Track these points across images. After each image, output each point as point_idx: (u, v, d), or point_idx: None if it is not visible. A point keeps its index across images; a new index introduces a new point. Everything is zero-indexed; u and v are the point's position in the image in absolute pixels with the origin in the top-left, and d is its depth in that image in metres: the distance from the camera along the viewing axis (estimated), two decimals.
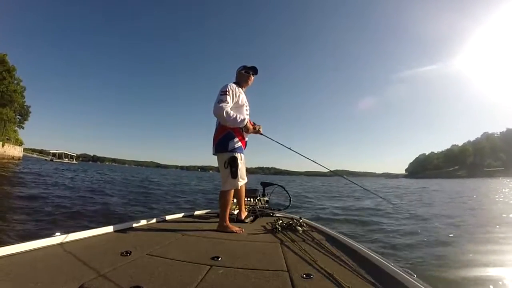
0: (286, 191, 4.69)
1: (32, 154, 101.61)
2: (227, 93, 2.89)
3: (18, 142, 58.56)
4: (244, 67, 3.22)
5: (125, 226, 2.62)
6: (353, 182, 4.24)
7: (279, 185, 4.97)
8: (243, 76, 3.20)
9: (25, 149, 73.81)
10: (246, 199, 3.76)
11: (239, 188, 3.12)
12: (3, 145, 48.72)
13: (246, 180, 3.21)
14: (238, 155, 2.95)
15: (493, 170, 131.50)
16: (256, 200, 4.45)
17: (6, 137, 52.40)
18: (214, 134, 3.08)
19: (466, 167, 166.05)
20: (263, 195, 4.71)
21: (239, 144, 3.01)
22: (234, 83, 3.12)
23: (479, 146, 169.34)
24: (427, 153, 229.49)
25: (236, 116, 2.85)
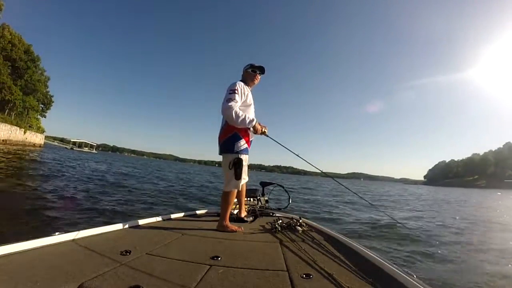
0: (286, 190, 4.62)
1: (54, 142, 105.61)
2: (236, 91, 2.82)
3: (40, 130, 61.60)
4: (252, 66, 3.15)
5: (125, 226, 2.62)
6: (350, 190, 3.91)
7: (278, 185, 4.94)
8: (250, 75, 3.13)
9: (47, 137, 76.98)
10: (246, 198, 3.69)
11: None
12: (24, 132, 51.18)
13: (247, 179, 3.17)
14: (243, 156, 2.90)
15: None
16: (256, 200, 4.40)
17: (29, 124, 55.10)
18: (220, 134, 3.00)
19: (486, 177, 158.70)
20: (263, 195, 4.65)
21: (245, 146, 2.94)
22: (241, 81, 3.07)
23: (501, 156, 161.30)
24: (447, 161, 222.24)
25: (245, 116, 2.79)
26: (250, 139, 3.10)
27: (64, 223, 6.16)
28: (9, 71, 47.02)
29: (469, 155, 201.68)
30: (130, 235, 2.41)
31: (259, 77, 3.19)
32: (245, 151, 2.95)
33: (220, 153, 3.02)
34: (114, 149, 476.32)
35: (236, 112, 2.74)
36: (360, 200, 14.77)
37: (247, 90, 3.00)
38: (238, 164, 2.85)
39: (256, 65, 3.17)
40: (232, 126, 2.88)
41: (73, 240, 2.08)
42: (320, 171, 3.75)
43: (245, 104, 2.95)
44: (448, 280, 4.54)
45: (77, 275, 1.42)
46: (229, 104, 2.74)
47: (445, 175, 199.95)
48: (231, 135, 2.91)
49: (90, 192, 10.34)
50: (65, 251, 1.84)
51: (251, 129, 3.00)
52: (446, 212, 15.69)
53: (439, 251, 6.27)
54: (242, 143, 2.91)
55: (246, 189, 3.54)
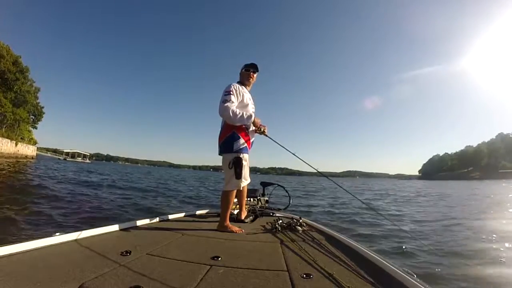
0: (286, 190, 4.66)
1: (46, 153, 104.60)
2: (231, 92, 2.87)
3: (32, 142, 60.54)
4: (245, 66, 3.21)
5: (125, 226, 2.64)
6: (339, 186, 3.98)
7: (279, 185, 4.98)
8: (244, 75, 3.20)
9: (39, 148, 76.10)
10: (246, 199, 3.72)
11: (242, 188, 3.09)
12: (16, 145, 50.36)
13: (249, 181, 3.20)
14: (242, 155, 2.92)
15: (508, 172, 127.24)
16: (256, 200, 4.43)
17: (20, 136, 54.17)
18: (219, 135, 3.05)
19: (480, 168, 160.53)
20: (263, 195, 4.70)
21: (244, 144, 2.97)
22: (238, 82, 3.13)
23: (494, 147, 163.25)
24: (441, 154, 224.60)
25: (243, 113, 2.84)
26: (251, 140, 3.12)
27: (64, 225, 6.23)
28: None
29: (462, 147, 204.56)
30: (130, 236, 2.44)
31: (253, 75, 3.23)
32: (245, 150, 2.98)
33: (220, 154, 3.06)
34: (108, 158, 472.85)
35: (233, 111, 2.79)
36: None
37: (242, 90, 3.03)
38: (237, 163, 2.88)
39: (249, 63, 3.21)
40: (231, 126, 2.93)
41: (74, 240, 2.10)
42: (316, 171, 3.77)
43: (241, 104, 2.97)
44: None
45: (77, 276, 1.43)
46: (225, 104, 2.80)
47: (439, 169, 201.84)
48: (230, 134, 2.94)
49: None
50: (65, 251, 1.86)
51: (251, 127, 3.05)
52: None
53: None
54: (241, 142, 2.94)
55: (247, 190, 3.55)
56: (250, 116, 2.90)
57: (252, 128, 3.09)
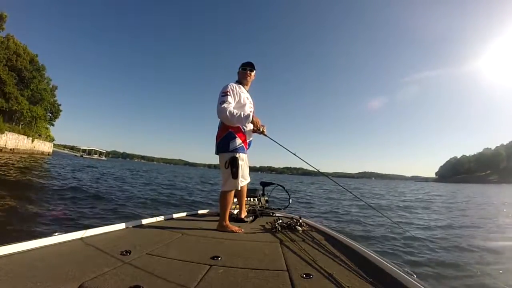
0: (286, 190, 4.65)
1: (63, 150, 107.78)
2: (228, 93, 2.85)
3: (49, 139, 62.62)
4: (242, 64, 3.18)
5: (125, 226, 2.62)
6: (340, 185, 3.77)
7: (279, 185, 4.96)
8: (241, 74, 3.15)
9: (57, 145, 78.39)
10: (246, 198, 3.68)
11: (241, 188, 3.05)
12: (32, 141, 52.13)
13: (248, 180, 3.19)
14: (239, 155, 2.88)
15: None
16: (256, 200, 4.41)
17: (38, 133, 56.15)
18: (216, 134, 3.02)
19: (498, 172, 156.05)
20: (263, 195, 4.68)
21: (241, 144, 2.93)
22: (236, 82, 3.11)
23: None
24: (458, 156, 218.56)
25: (240, 113, 2.79)
26: (249, 140, 3.12)
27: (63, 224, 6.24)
28: (15, 81, 47.77)
29: (480, 150, 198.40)
30: (130, 235, 2.43)
31: (250, 73, 3.18)
32: (241, 149, 2.93)
33: (217, 153, 3.03)
34: (124, 156, 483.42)
35: (230, 112, 2.76)
36: None
37: (240, 90, 2.99)
38: (233, 163, 2.86)
39: (245, 62, 3.19)
40: (227, 126, 2.91)
41: (74, 240, 2.09)
42: (317, 171, 3.77)
43: (239, 104, 2.95)
44: None
45: (77, 275, 1.42)
46: (222, 106, 2.78)
47: (456, 171, 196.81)
48: (226, 134, 2.92)
49: None
50: (65, 251, 1.85)
51: (249, 127, 3.04)
52: None
53: None
54: (238, 142, 2.91)
55: (247, 189, 3.56)
56: (248, 116, 2.84)
57: (249, 128, 3.05)
